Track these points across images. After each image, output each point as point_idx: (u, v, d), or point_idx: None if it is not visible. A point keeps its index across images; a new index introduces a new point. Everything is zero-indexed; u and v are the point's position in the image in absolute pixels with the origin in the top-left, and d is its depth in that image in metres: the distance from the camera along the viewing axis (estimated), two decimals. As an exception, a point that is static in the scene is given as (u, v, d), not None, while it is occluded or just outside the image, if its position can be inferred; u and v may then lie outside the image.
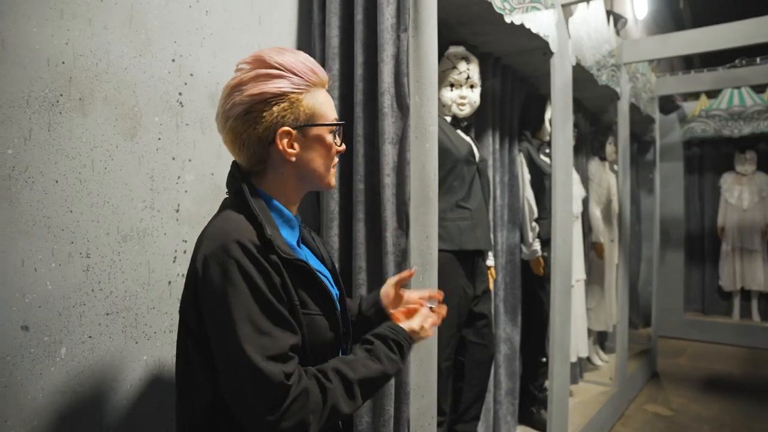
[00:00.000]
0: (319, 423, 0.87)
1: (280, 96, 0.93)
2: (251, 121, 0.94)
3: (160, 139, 1.27)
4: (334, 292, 1.06)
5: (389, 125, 1.47)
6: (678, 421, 3.32)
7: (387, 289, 1.21)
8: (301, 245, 1.06)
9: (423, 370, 1.53)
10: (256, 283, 0.85)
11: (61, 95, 1.09)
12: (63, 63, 1.10)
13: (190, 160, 1.34)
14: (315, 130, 0.98)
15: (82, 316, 1.13)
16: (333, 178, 1.05)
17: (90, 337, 1.14)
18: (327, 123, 0.99)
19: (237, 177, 0.98)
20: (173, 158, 1.30)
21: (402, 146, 1.48)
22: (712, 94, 5.34)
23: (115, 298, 1.18)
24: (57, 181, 1.08)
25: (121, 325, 1.19)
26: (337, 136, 1.02)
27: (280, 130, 0.94)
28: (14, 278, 1.02)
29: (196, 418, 0.93)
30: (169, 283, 1.29)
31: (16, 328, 1.02)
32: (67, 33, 1.10)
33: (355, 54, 1.54)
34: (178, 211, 1.31)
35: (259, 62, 0.95)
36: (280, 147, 0.95)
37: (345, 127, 1.07)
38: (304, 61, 0.97)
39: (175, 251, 1.30)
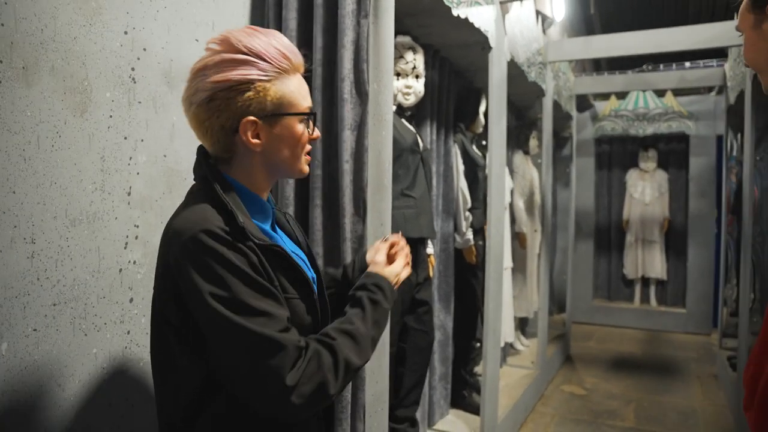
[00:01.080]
0: (337, 380, 0.85)
1: (245, 84, 0.87)
2: (214, 110, 0.88)
3: (111, 116, 1.18)
4: (311, 275, 1.03)
5: (348, 111, 1.46)
6: (591, 399, 3.56)
7: (371, 252, 1.22)
8: (276, 229, 1.03)
9: (377, 356, 1.54)
10: (236, 266, 0.82)
11: (1, 62, 0.99)
12: (2, 25, 0.99)
13: (142, 140, 1.26)
14: (283, 120, 0.92)
15: (26, 307, 1.03)
16: (305, 166, 1.00)
17: (35, 330, 1.05)
18: (295, 112, 0.93)
19: (202, 163, 0.94)
20: (125, 138, 1.21)
21: (360, 133, 1.47)
22: (621, 95, 5.73)
23: (63, 287, 1.09)
24: (-2, 159, 0.98)
25: (69, 316, 1.11)
26: (310, 123, 0.97)
27: (244, 120, 0.89)
28: (-49, 265, 0.91)
29: (179, 409, 0.89)
30: (120, 270, 1.21)
31: (-46, 320, 0.92)
32: (8, -6, 1.00)
33: (314, 38, 1.50)
34: (129, 194, 1.23)
35: (226, 45, 0.88)
36: (244, 138, 0.90)
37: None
38: (276, 45, 0.90)
39: (127, 237, 1.22)
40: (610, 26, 7.94)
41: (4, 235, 0.99)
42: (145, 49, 1.26)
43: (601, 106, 5.81)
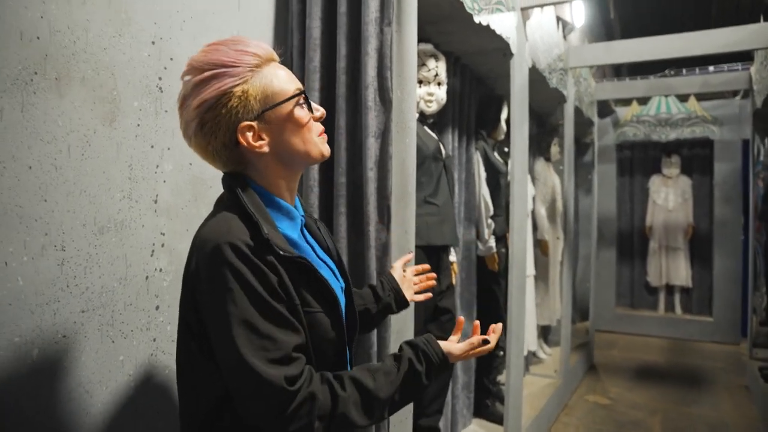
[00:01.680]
0: (327, 429, 0.84)
1: (223, 96, 0.87)
2: (208, 132, 0.89)
3: (139, 125, 1.20)
4: (340, 284, 1.03)
5: (372, 119, 1.45)
6: (616, 409, 3.50)
7: (399, 273, 1.29)
8: (306, 235, 1.03)
9: (402, 365, 1.52)
10: (252, 285, 0.82)
11: (36, 73, 1.01)
12: (38, 38, 1.01)
13: (169, 149, 1.27)
14: (276, 111, 0.91)
15: (56, 314, 1.04)
16: (324, 145, 0.98)
17: (64, 336, 1.06)
18: (284, 99, 0.91)
19: (233, 180, 0.94)
20: (152, 146, 1.23)
21: (384, 140, 1.47)
22: (642, 100, 5.66)
23: (91, 295, 1.10)
24: (31, 167, 1.00)
25: (96, 323, 1.12)
26: (308, 103, 0.95)
27: (239, 127, 0.88)
28: (-15, 272, 0.93)
29: (197, 418, 0.90)
30: (147, 278, 1.22)
31: (-13, 327, 0.93)
32: (42, 6, 1.01)
33: (338, 46, 1.51)
34: (156, 202, 1.24)
35: (192, 70, 0.89)
36: (246, 144, 0.89)
37: (326, 119, 1.02)
38: (237, 48, 0.89)
39: (153, 244, 1.23)
40: (630, 31, 7.87)
41: (35, 242, 1.00)
42: (171, 59, 1.27)
43: (623, 112, 5.74)
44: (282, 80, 0.92)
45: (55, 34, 1.03)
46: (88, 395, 1.10)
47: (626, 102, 5.74)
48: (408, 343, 0.99)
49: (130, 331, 1.19)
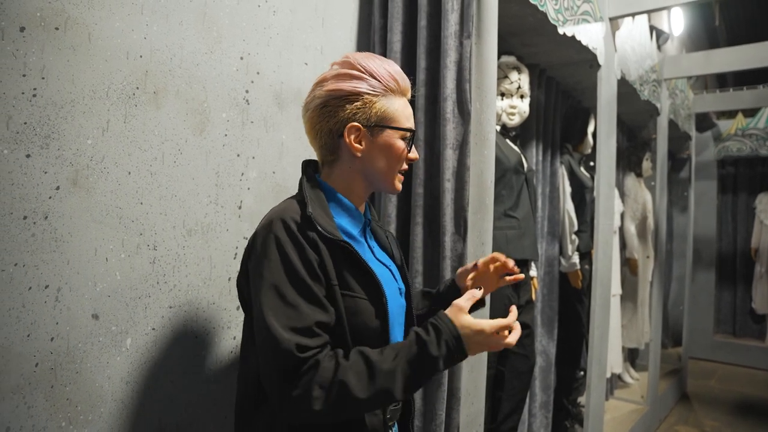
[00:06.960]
0: (326, 398, 0.84)
1: (355, 95, 0.97)
2: (326, 115, 0.99)
3: (226, 135, 1.28)
4: (398, 285, 1.06)
5: (450, 130, 1.46)
6: (711, 445, 3.25)
7: (461, 272, 1.21)
8: (368, 236, 1.08)
9: (473, 377, 1.51)
10: (289, 258, 0.89)
11: (138, 88, 1.10)
12: (141, 57, 1.11)
13: (253, 158, 1.34)
14: (384, 132, 1.00)
15: (147, 307, 1.13)
16: (399, 183, 1.06)
17: (153, 329, 1.14)
18: (396, 127, 1.00)
19: (302, 171, 1.04)
20: (238, 155, 1.30)
21: (462, 152, 1.47)
22: (749, 112, 5.26)
23: (178, 292, 1.19)
24: (130, 173, 1.09)
25: (182, 318, 1.20)
26: (408, 143, 1.03)
27: (349, 125, 0.98)
28: (87, 266, 1.02)
29: (249, 384, 0.97)
30: (229, 279, 1.29)
31: (88, 316, 1.02)
32: (145, 28, 1.11)
33: (418, 59, 1.53)
34: (240, 207, 1.31)
35: (346, 63, 1.00)
36: (347, 141, 0.98)
37: None
38: (387, 68, 1.00)
39: (236, 248, 1.30)
40: (737, 40, 7.33)
41: (131, 241, 1.09)
42: (258, 73, 1.35)
43: (726, 125, 5.36)
44: (403, 114, 1.02)
45: (155, 53, 1.13)
46: (172, 385, 1.18)
47: (730, 115, 5.36)
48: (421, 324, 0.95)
49: (212, 329, 1.26)
